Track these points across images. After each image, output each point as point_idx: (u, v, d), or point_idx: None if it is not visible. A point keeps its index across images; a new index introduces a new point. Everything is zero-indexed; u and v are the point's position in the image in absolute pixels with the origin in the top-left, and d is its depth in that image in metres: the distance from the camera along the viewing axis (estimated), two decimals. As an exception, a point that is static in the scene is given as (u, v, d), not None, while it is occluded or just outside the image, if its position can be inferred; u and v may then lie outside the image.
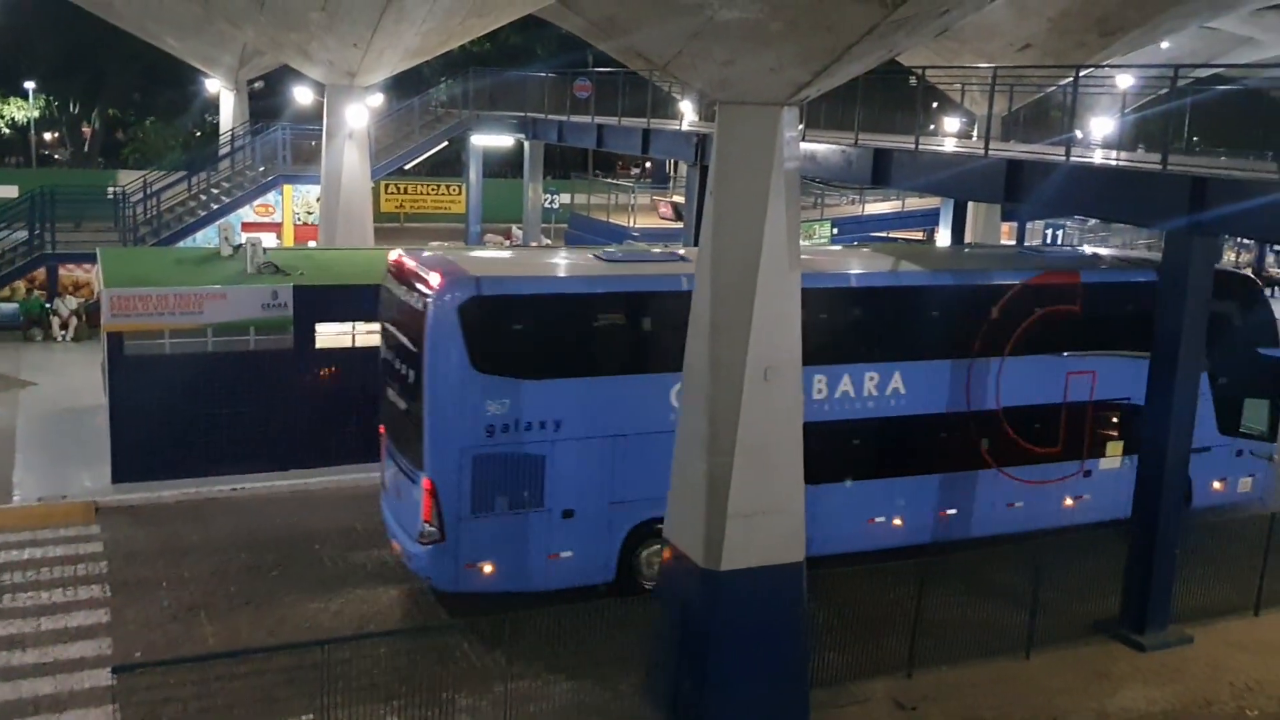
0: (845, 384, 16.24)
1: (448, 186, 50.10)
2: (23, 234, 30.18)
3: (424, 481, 14.37)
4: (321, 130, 28.92)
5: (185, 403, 19.02)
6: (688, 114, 34.23)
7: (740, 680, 12.46)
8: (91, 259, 24.85)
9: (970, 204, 27.56)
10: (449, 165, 51.67)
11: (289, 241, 35.13)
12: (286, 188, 35.79)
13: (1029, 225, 40.42)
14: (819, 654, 13.66)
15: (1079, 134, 22.36)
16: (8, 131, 59.06)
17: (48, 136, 64.19)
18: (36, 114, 58.30)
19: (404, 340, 15.10)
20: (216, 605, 15.24)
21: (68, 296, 29.48)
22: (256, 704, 12.62)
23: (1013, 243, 34.51)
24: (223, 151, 38.15)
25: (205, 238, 32.07)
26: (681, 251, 17.38)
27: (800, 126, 12.54)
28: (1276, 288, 38.67)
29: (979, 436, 17.24)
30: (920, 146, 19.50)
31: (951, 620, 14.82)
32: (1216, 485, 18.96)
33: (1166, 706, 13.89)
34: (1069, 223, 44.23)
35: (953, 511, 17.23)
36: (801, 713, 12.90)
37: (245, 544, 17.22)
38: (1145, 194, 14.91)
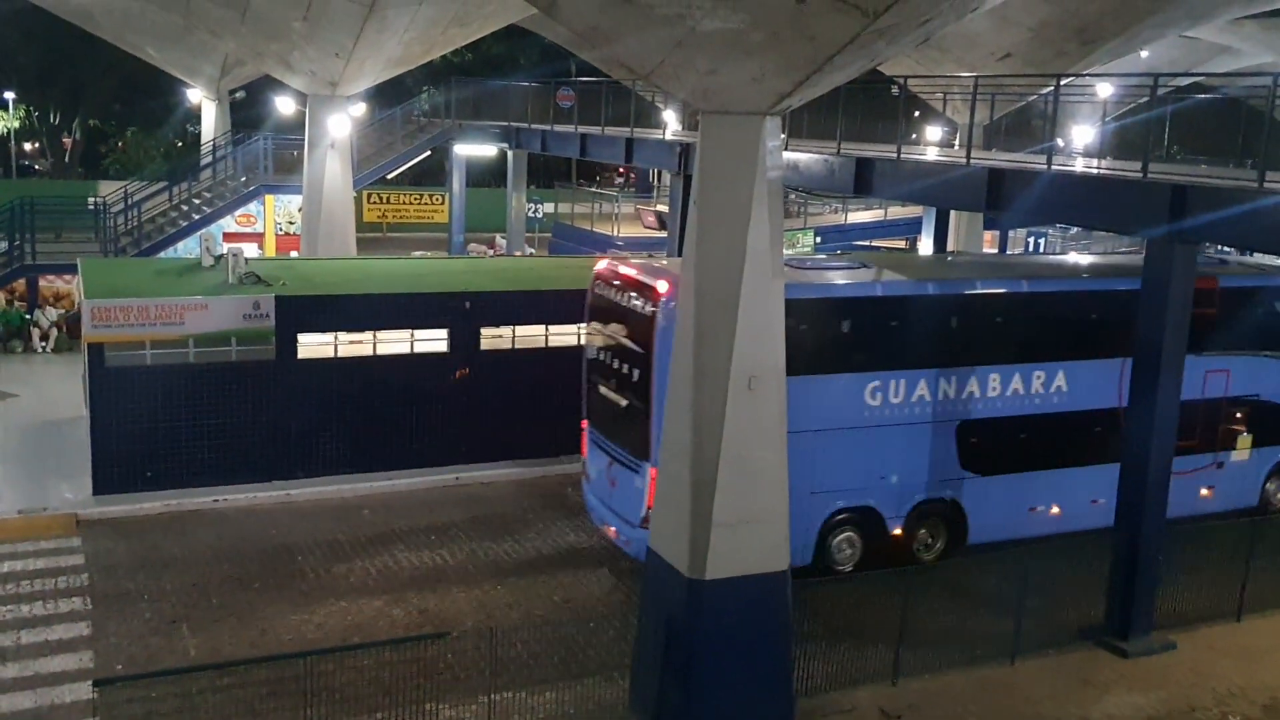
0: (1016, 382, 17.40)
1: (431, 196, 49.95)
2: (2, 245, 29.97)
3: (650, 471, 15.31)
4: (303, 140, 28.86)
5: (167, 414, 18.94)
6: (671, 123, 34.23)
7: (725, 690, 12.44)
8: (72, 270, 24.77)
9: (953, 212, 27.67)
10: (432, 175, 51.57)
11: (271, 252, 35.04)
12: (268, 198, 35.72)
13: (1011, 233, 40.55)
14: (804, 663, 13.66)
15: (1060, 142, 22.46)
16: (-13, 142, 58.81)
17: (28, 147, 63.85)
18: (16, 124, 58.01)
19: (626, 342, 16.49)
20: (198, 618, 15.14)
21: (48, 308, 29.30)
22: (239, 717, 12.52)
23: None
24: (204, 161, 38.02)
25: (187, 248, 31.94)
26: (860, 258, 19.05)
27: (783, 136, 12.56)
28: None
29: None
30: (902, 155, 19.56)
31: (937, 628, 14.84)
32: None
33: (1151, 712, 13.94)
34: (1051, 230, 44.38)
35: (1102, 500, 17.68)
36: (787, 722, 12.88)
37: (227, 556, 17.13)
38: (1126, 202, 14.99)
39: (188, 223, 33.43)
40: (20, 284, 29.79)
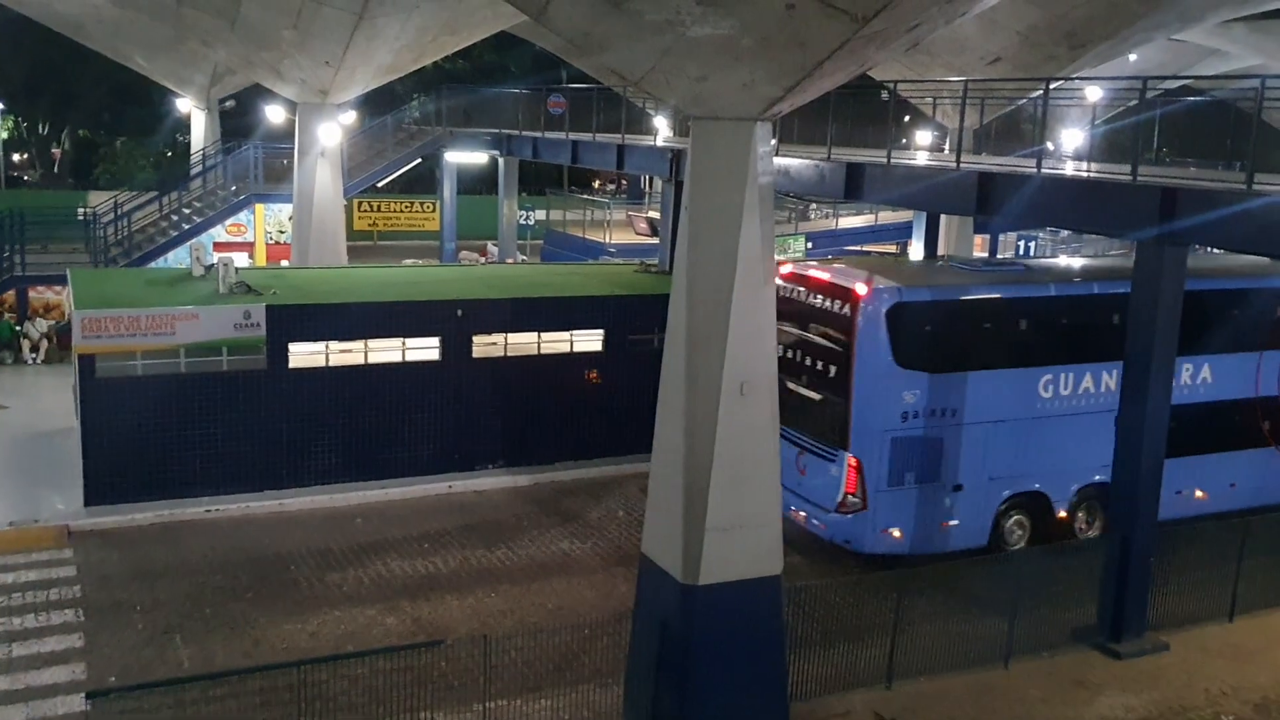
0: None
1: (421, 204, 49.91)
2: (-8, 256, 29.94)
3: (849, 459, 16.96)
4: (293, 148, 28.82)
5: (158, 424, 18.89)
6: (662, 129, 34.32)
7: (719, 694, 12.44)
8: (62, 280, 24.71)
9: (943, 216, 27.72)
10: (423, 182, 51.51)
11: (261, 261, 34.95)
12: (258, 207, 35.61)
13: (1001, 237, 40.65)
14: (798, 667, 13.66)
15: (1050, 146, 22.54)
16: (-25, 153, 58.62)
17: (16, 157, 63.69)
18: (5, 135, 57.83)
19: (822, 340, 17.65)
20: (191, 628, 15.10)
21: (38, 319, 29.18)
22: (233, 727, 12.51)
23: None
24: (194, 171, 37.98)
25: (177, 258, 31.88)
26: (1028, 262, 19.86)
27: (773, 141, 12.59)
28: None
29: (1263, 419, 19.48)
30: (892, 160, 19.62)
31: (931, 631, 14.84)
32: None
33: (1144, 714, 13.97)
34: (1041, 234, 44.49)
35: (1236, 485, 19.28)
36: (782, 727, 12.88)
37: (220, 566, 17.08)
38: (1116, 205, 15.04)
39: (178, 232, 33.39)
40: (10, 295, 29.73)
